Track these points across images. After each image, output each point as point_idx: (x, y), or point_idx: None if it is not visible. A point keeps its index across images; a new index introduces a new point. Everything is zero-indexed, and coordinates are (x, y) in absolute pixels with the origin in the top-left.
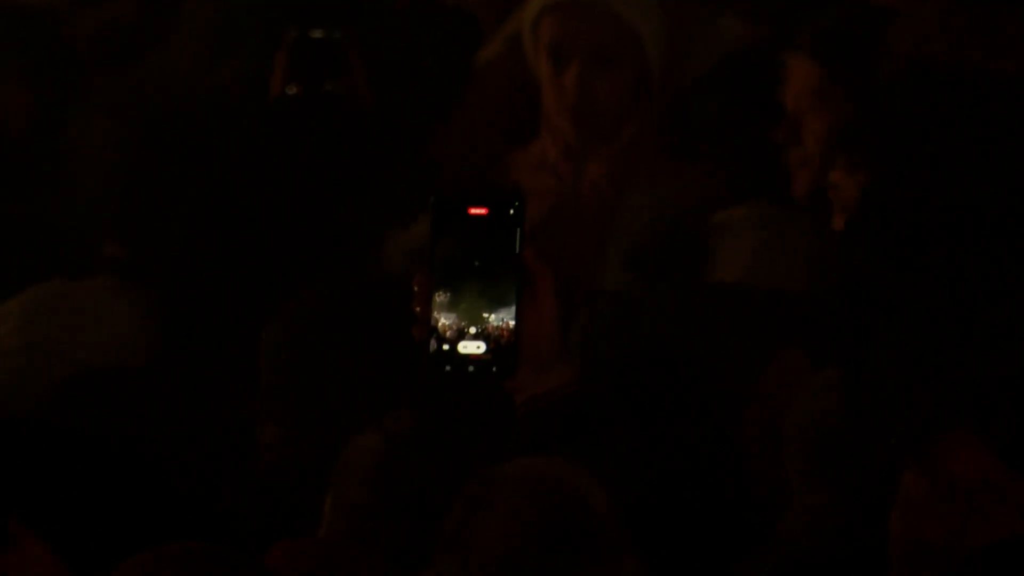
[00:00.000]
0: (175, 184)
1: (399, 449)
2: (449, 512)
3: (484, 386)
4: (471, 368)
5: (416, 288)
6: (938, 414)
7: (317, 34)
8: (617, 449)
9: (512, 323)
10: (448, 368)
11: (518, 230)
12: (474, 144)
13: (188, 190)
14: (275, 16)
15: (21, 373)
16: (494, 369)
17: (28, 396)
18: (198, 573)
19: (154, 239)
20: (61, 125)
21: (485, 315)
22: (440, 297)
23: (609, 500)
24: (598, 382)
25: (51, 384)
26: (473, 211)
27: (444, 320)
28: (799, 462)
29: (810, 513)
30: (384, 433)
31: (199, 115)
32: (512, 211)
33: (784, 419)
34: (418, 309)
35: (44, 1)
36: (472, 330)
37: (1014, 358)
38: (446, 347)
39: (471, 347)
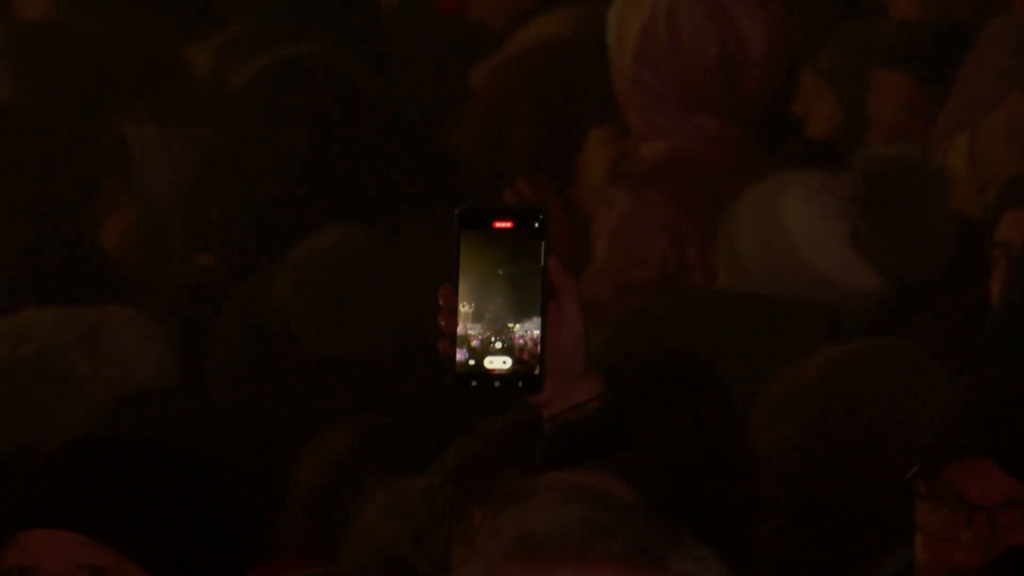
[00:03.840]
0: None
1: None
2: (483, 523)
3: (510, 400)
4: (497, 383)
5: (441, 301)
6: (949, 444)
7: None
8: (647, 461)
9: (537, 334)
10: (474, 384)
11: (543, 243)
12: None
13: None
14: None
15: (38, 401)
16: (520, 384)
17: (43, 422)
18: None
19: (238, 241)
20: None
21: (510, 325)
22: (465, 307)
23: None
24: (622, 394)
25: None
26: (498, 225)
27: (470, 331)
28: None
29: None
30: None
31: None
32: (537, 224)
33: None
34: (443, 323)
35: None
36: (498, 344)
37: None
38: (472, 362)
39: (497, 362)
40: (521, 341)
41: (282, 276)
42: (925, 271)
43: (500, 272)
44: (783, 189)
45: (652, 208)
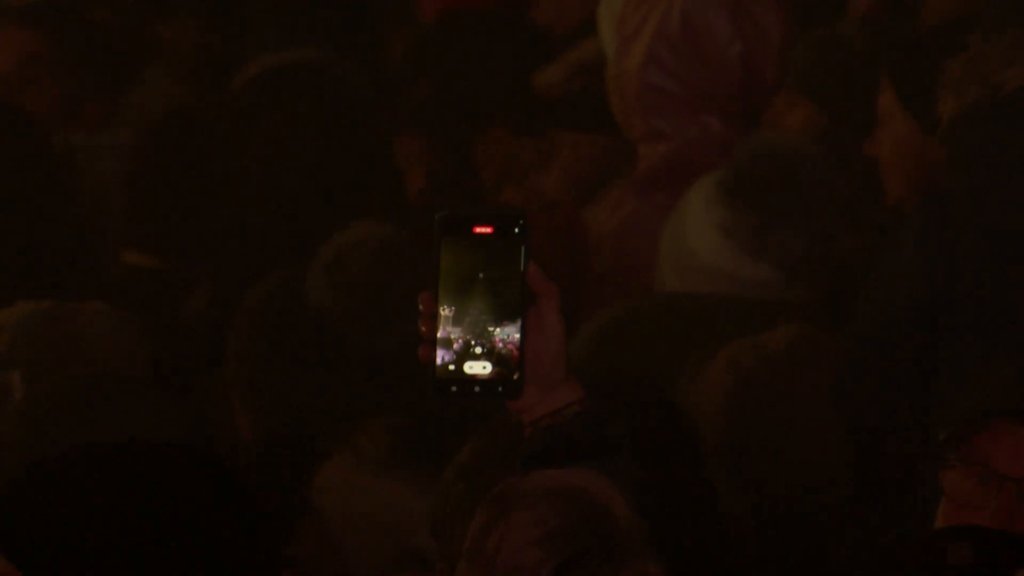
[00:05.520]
0: (190, 186)
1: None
2: (473, 522)
3: (490, 406)
4: (477, 388)
5: (421, 308)
6: (978, 409)
7: None
8: (627, 465)
9: (517, 337)
10: (454, 389)
11: (523, 248)
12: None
13: (203, 192)
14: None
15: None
16: (500, 389)
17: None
18: None
19: (178, 242)
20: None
21: (490, 330)
22: (445, 311)
23: (631, 509)
24: (601, 399)
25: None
26: (478, 230)
27: (450, 334)
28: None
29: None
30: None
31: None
32: (517, 229)
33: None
34: (423, 328)
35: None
36: (478, 349)
37: None
38: (452, 367)
39: (476, 367)
40: (501, 345)
41: (316, 272)
42: (804, 257)
43: (480, 276)
44: (696, 186)
45: (659, 210)
